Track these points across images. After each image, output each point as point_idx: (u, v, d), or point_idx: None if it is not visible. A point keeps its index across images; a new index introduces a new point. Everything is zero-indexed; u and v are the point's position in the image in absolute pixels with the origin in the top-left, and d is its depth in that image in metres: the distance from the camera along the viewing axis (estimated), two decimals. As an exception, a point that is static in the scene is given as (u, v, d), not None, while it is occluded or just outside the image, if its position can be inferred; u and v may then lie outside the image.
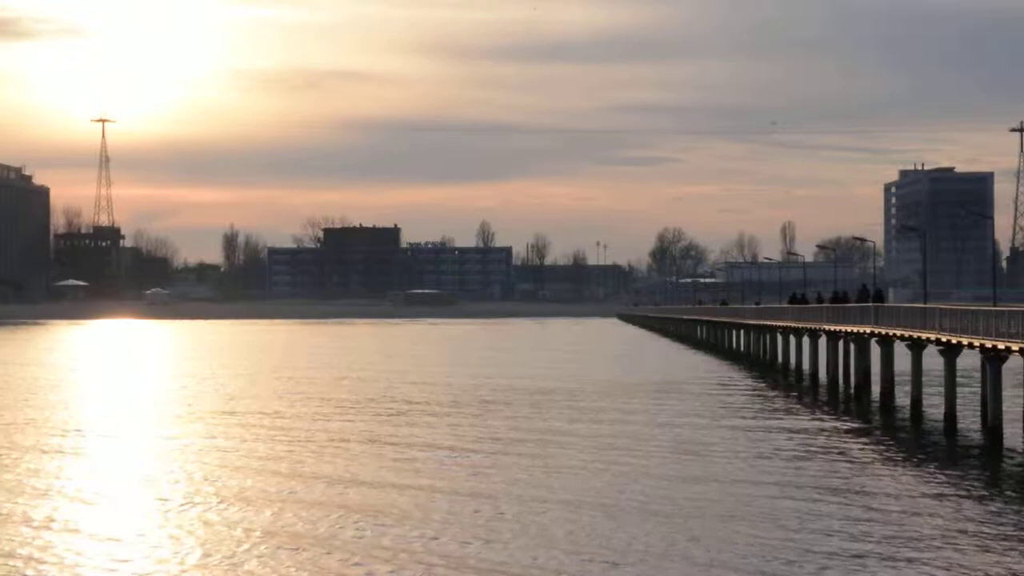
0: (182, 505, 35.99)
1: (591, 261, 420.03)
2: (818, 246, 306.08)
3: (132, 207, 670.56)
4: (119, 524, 33.43)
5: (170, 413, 63.94)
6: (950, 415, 54.79)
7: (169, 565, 28.35)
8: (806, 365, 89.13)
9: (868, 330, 69.37)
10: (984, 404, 51.77)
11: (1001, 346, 47.89)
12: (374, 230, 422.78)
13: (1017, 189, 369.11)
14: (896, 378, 66.03)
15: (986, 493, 38.24)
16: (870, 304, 71.29)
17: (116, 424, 59.07)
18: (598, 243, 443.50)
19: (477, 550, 29.34)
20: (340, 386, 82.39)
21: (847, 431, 55.91)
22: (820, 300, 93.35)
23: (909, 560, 28.27)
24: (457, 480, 40.34)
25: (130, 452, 49.39)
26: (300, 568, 27.68)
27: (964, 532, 31.62)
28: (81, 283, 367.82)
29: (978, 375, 55.71)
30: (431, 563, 27.87)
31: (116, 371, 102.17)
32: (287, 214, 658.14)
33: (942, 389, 56.58)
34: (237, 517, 33.86)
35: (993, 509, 35.22)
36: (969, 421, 55.56)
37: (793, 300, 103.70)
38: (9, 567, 28.51)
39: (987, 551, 29.25)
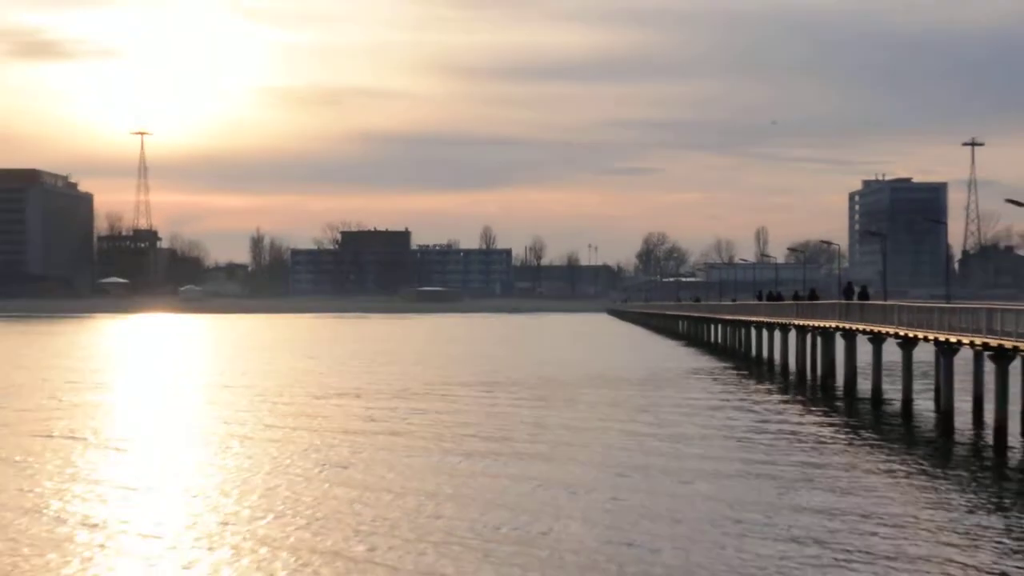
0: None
1: (583, 262, 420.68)
2: (789, 248, 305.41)
3: (168, 212, 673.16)
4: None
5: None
6: (907, 401, 55.15)
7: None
8: (777, 356, 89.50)
9: (833, 325, 69.63)
10: (937, 391, 52.11)
11: (953, 339, 48.25)
12: (387, 233, 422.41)
13: (968, 198, 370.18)
14: (858, 368, 66.31)
15: (938, 470, 38.51)
16: (855, 302, 71.21)
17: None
18: (589, 245, 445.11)
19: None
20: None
21: (814, 416, 56.05)
22: (797, 296, 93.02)
23: (864, 529, 28.55)
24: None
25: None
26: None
27: (917, 505, 31.91)
28: (122, 280, 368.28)
29: (932, 365, 56.00)
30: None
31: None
32: (308, 218, 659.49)
33: (900, 377, 56.96)
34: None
35: (944, 484, 35.47)
36: (924, 407, 55.85)
37: (770, 297, 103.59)
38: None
39: (935, 521, 29.54)
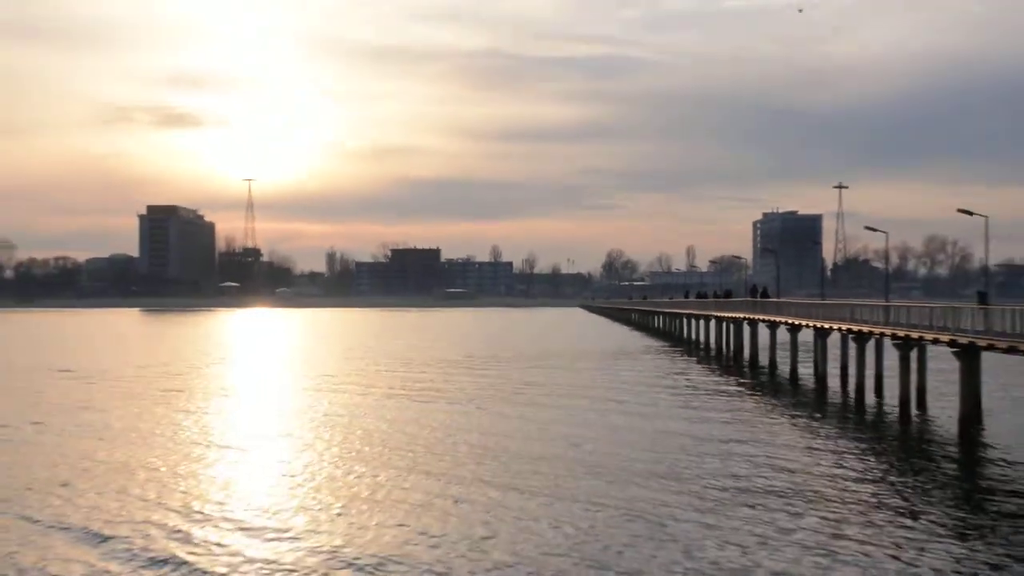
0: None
1: (563, 271, 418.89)
2: (710, 261, 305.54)
3: (268, 235, 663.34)
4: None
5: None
6: (793, 370, 55.52)
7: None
8: (702, 338, 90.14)
9: (742, 316, 70.52)
10: (816, 362, 52.74)
11: (826, 326, 49.10)
12: (424, 250, 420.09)
13: (837, 225, 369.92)
14: (760, 347, 66.31)
15: (815, 415, 39.07)
16: (759, 299, 71.37)
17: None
18: (568, 259, 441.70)
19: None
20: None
21: (728, 380, 56.17)
22: (716, 295, 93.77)
23: (760, 451, 29.28)
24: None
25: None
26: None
27: (801, 438, 32.79)
28: (235, 284, 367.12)
29: (812, 344, 56.76)
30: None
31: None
32: (368, 239, 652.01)
33: (789, 353, 57.82)
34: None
35: (818, 424, 36.22)
36: (806, 373, 55.82)
37: (697, 296, 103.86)
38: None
39: (814, 447, 30.49)
